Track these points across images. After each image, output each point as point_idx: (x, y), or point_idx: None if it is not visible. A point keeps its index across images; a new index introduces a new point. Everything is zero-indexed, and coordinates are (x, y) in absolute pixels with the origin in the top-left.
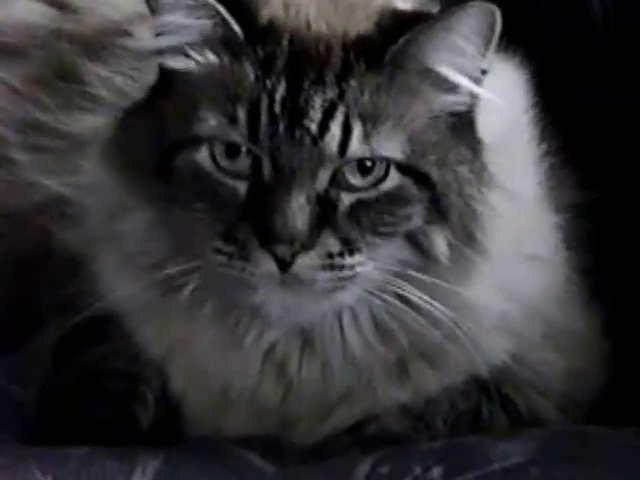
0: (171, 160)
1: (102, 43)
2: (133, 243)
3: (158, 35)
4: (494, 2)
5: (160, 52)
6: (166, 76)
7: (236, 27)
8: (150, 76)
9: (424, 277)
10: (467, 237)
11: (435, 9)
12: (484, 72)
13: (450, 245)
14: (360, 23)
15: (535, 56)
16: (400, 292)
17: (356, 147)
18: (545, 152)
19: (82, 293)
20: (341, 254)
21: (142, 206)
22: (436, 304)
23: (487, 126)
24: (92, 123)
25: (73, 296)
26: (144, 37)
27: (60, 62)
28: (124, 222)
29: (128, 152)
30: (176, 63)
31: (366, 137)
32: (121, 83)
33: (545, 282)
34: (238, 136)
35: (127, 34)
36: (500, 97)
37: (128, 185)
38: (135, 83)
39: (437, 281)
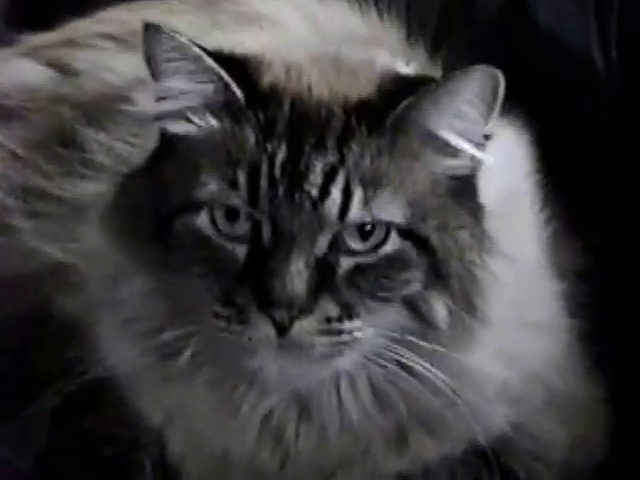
0: (170, 224)
1: (102, 109)
2: (131, 309)
3: (159, 100)
4: (496, 65)
5: (161, 117)
6: (167, 140)
7: (237, 91)
8: (150, 141)
9: (423, 343)
10: (467, 303)
11: (437, 73)
12: (487, 137)
13: (450, 311)
14: (362, 87)
15: (537, 119)
16: (399, 358)
17: (356, 212)
18: (548, 218)
19: (81, 359)
20: (340, 319)
21: (140, 271)
22: (435, 371)
23: (489, 191)
24: (92, 189)
25: (72, 362)
26: (145, 103)
27: (60, 127)
28: (123, 288)
29: (127, 217)
30: (177, 128)
31: (367, 202)
32: (121, 149)
33: (547, 349)
34: (238, 200)
35: (127, 100)
36: (502, 161)
37: (127, 250)
38: (135, 149)
39: (437, 348)
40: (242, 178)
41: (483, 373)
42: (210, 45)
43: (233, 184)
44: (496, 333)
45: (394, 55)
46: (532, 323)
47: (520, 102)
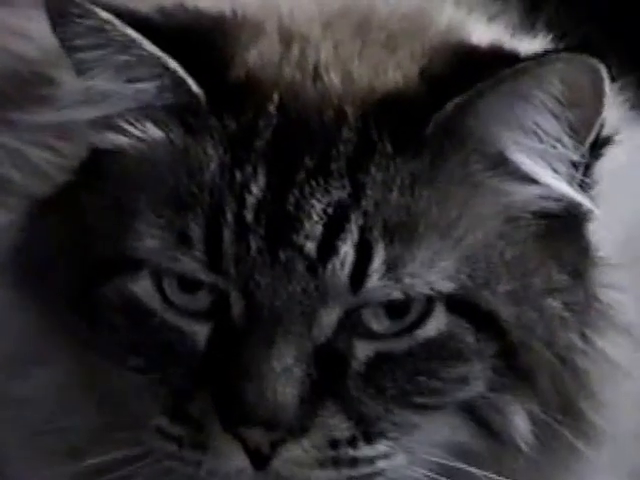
0: (97, 288)
1: (9, 95)
2: (40, 415)
3: (77, 104)
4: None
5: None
6: (94, 158)
7: (195, 89)
8: (79, 149)
9: (494, 476)
10: (564, 410)
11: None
12: (588, 169)
13: (536, 424)
14: (397, 70)
15: None
16: None
17: (378, 280)
18: None
19: None
20: (352, 441)
21: (54, 357)
22: None
23: (605, 229)
24: None
25: None
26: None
27: None
28: (26, 382)
29: (37, 269)
30: (104, 141)
31: (394, 263)
32: (38, 159)
33: None
34: (192, 264)
35: (48, 81)
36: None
37: (33, 321)
38: (59, 159)
39: None
40: (197, 228)
41: None
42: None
43: (184, 239)
44: (618, 450)
45: (468, 8)
46: None
47: None
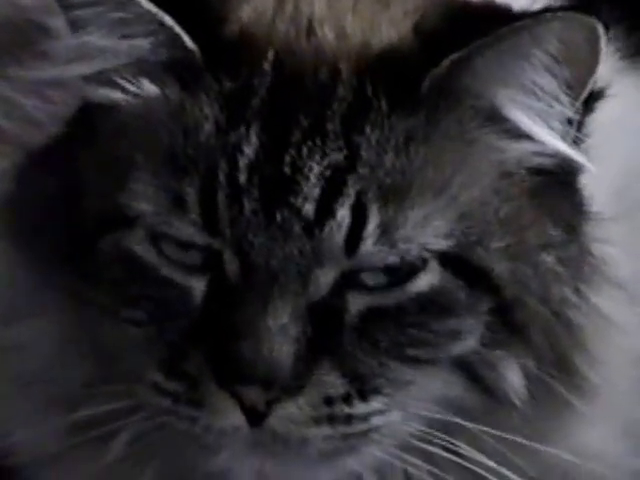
0: (92, 241)
1: (2, 43)
2: (34, 364)
3: (71, 60)
4: None
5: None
6: (87, 112)
7: (190, 44)
8: (73, 99)
9: (487, 429)
10: (558, 365)
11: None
12: (580, 124)
13: (530, 379)
14: (392, 26)
15: None
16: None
17: (374, 242)
18: None
19: None
20: (347, 398)
21: (48, 308)
22: (508, 473)
23: (597, 183)
24: None
25: None
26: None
27: None
28: (21, 330)
29: (29, 221)
30: (99, 95)
31: (389, 226)
32: (32, 108)
33: None
34: (187, 227)
35: (42, 29)
36: (625, 130)
37: (29, 272)
38: (55, 107)
39: (508, 436)
40: (191, 191)
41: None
42: None
43: (179, 202)
44: (612, 405)
45: None
46: None
47: None
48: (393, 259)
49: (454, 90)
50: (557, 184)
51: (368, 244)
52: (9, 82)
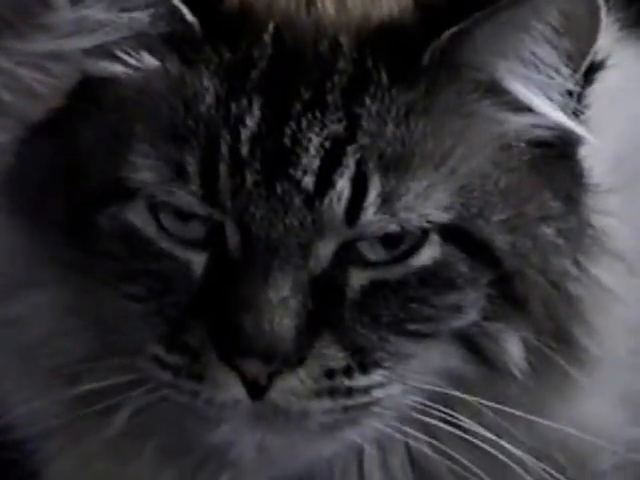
0: (91, 215)
1: (6, 18)
2: (35, 337)
3: (70, 34)
4: None
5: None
6: (87, 86)
7: (189, 17)
8: (73, 71)
9: (488, 403)
10: (558, 337)
11: None
12: (580, 95)
13: (529, 351)
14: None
15: None
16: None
17: (374, 213)
18: None
19: None
20: (347, 371)
21: (49, 281)
22: (508, 446)
23: (596, 155)
24: None
25: None
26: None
27: None
28: (22, 303)
29: (29, 194)
30: (100, 68)
31: (390, 196)
32: (32, 80)
33: None
34: (188, 197)
35: (41, 2)
36: (625, 100)
37: (30, 245)
38: (54, 80)
39: (507, 409)
40: (192, 161)
41: (588, 443)
42: None
43: (180, 172)
44: (610, 376)
45: None
46: None
47: None
48: (393, 228)
49: (454, 62)
50: (557, 156)
51: (369, 213)
52: (9, 54)
